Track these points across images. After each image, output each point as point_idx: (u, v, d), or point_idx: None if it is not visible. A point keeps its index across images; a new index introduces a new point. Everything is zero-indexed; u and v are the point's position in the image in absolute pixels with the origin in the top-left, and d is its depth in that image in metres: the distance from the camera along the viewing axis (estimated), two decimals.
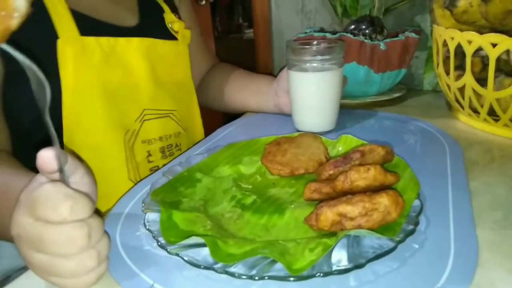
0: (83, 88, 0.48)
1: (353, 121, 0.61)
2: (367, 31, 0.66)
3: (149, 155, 0.54)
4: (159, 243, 0.31)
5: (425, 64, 0.79)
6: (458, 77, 0.56)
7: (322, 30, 0.78)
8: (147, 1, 0.61)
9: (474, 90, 0.53)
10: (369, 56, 0.64)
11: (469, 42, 0.51)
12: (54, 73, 0.46)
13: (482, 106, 0.54)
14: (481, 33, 0.50)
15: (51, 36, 0.46)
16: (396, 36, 0.72)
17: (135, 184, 0.45)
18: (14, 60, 0.36)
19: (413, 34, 0.66)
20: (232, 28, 3.27)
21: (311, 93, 0.54)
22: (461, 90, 0.56)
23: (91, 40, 0.49)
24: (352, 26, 0.67)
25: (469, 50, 0.51)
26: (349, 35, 0.64)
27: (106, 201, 0.46)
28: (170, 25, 0.61)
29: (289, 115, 0.60)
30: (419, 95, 0.76)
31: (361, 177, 0.32)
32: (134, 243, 0.34)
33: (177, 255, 0.29)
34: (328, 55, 0.53)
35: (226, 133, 0.60)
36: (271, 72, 0.95)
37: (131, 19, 0.57)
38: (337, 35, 0.65)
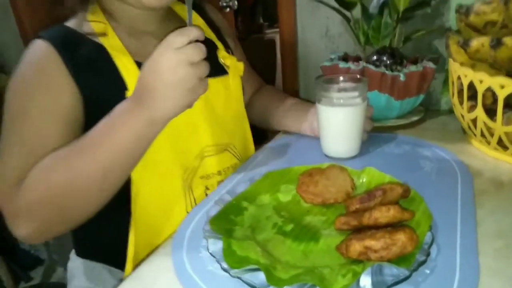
0: None
1: (375, 145, 0.68)
2: (388, 62, 0.73)
3: (207, 189, 0.60)
4: (222, 267, 0.39)
5: (442, 86, 0.84)
6: (471, 108, 0.63)
7: (345, 55, 0.85)
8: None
9: (484, 122, 0.60)
10: (390, 85, 0.71)
11: (480, 81, 0.57)
12: None
13: (492, 136, 0.60)
14: (493, 68, 0.56)
15: (122, 88, 0.54)
16: (415, 61, 0.79)
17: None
18: (90, 86, 0.47)
19: (431, 64, 0.73)
20: (253, 28, 3.34)
21: (338, 125, 0.62)
22: (474, 120, 0.62)
23: None
24: (374, 57, 0.74)
25: (480, 88, 0.58)
26: (371, 66, 0.71)
27: (166, 231, 0.55)
28: (222, 61, 0.67)
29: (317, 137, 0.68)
30: (436, 116, 0.82)
31: (383, 215, 0.40)
32: (198, 264, 0.43)
33: (239, 278, 0.38)
34: (353, 91, 0.60)
35: (263, 156, 0.68)
36: (297, 91, 1.02)
37: None
38: (361, 67, 0.72)
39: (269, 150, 0.70)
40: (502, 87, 0.54)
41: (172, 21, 0.66)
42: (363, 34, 0.78)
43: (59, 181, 0.47)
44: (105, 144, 0.47)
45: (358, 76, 0.64)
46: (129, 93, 0.54)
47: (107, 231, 0.57)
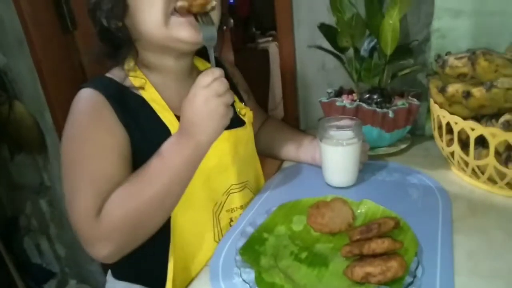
0: None
1: (370, 173, 0.80)
2: (378, 100, 0.84)
3: (231, 220, 0.72)
4: None
5: (426, 113, 0.96)
6: (450, 141, 0.74)
7: (341, 89, 0.96)
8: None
9: (460, 156, 0.71)
10: (381, 120, 0.82)
11: (455, 122, 0.69)
12: None
13: (467, 166, 0.72)
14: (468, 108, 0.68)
15: (165, 131, 0.64)
16: (402, 95, 0.91)
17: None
18: (137, 133, 0.60)
19: (415, 101, 0.84)
20: (247, 37, 3.44)
21: (338, 161, 0.73)
22: (452, 151, 0.74)
23: None
24: (367, 95, 0.85)
25: (455, 128, 0.69)
26: (364, 105, 0.82)
27: (198, 257, 0.65)
28: (239, 111, 0.77)
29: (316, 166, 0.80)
30: (421, 141, 0.93)
31: (379, 246, 0.51)
32: None
33: None
34: (350, 133, 0.72)
35: (274, 187, 0.79)
36: (297, 118, 1.13)
37: None
38: (355, 105, 0.83)
39: (278, 181, 0.81)
40: (473, 129, 0.66)
41: (195, 74, 0.76)
42: (356, 72, 0.90)
43: (131, 207, 0.56)
44: (162, 171, 0.58)
45: (354, 119, 0.75)
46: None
47: (147, 256, 0.66)
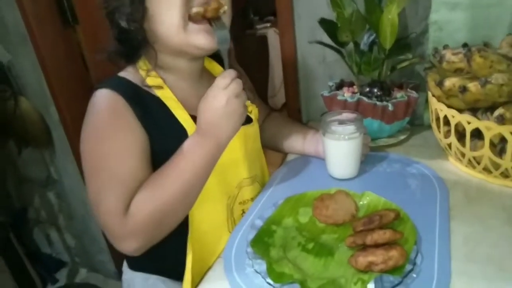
0: None
1: (371, 165, 0.83)
2: (378, 93, 0.87)
3: (243, 212, 0.76)
4: (267, 282, 0.54)
5: (425, 102, 0.99)
6: (447, 133, 0.78)
7: (341, 81, 0.99)
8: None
9: (457, 147, 0.75)
10: (381, 113, 0.85)
11: (452, 116, 0.72)
12: None
13: (464, 157, 0.75)
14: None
15: (184, 134, 0.66)
16: (401, 87, 0.94)
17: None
18: (156, 133, 0.63)
19: (414, 93, 0.87)
20: (245, 24, 3.43)
21: (340, 154, 0.77)
22: (449, 143, 0.77)
23: None
24: (367, 89, 0.88)
25: (452, 122, 0.73)
26: (364, 98, 0.85)
27: (213, 248, 0.69)
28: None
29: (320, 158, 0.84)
30: (420, 131, 0.97)
31: (381, 237, 0.55)
32: (246, 278, 0.58)
33: None
34: (352, 127, 0.75)
35: (279, 180, 0.83)
36: (299, 109, 1.16)
37: None
38: (356, 99, 0.86)
39: (283, 175, 0.85)
40: (469, 123, 0.69)
41: (205, 74, 0.80)
42: (356, 65, 0.92)
43: (157, 203, 0.60)
44: (185, 168, 0.62)
45: (355, 113, 0.78)
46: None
47: (165, 248, 0.68)
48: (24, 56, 1.53)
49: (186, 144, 0.63)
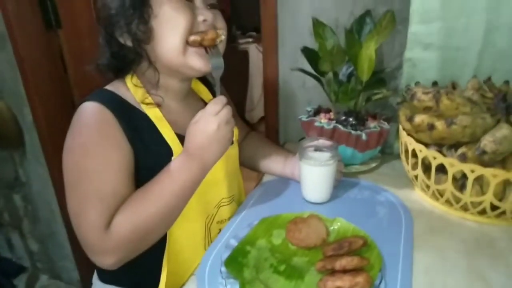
0: None
1: (343, 190, 0.87)
2: (353, 122, 0.92)
3: (220, 231, 0.76)
4: None
5: (396, 133, 1.04)
6: (414, 165, 0.83)
7: (319, 107, 1.04)
8: None
9: (422, 179, 0.80)
10: (354, 142, 0.90)
11: (420, 150, 0.77)
12: None
13: (428, 189, 0.80)
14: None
15: (169, 154, 0.68)
16: (375, 117, 0.99)
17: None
18: (141, 150, 0.66)
19: (386, 125, 0.93)
20: (228, 38, 3.47)
21: (315, 179, 0.80)
22: (416, 174, 0.83)
23: None
24: (343, 118, 0.93)
25: (420, 155, 0.78)
26: (340, 126, 0.90)
27: (189, 264, 0.71)
28: None
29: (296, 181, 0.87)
30: (390, 160, 1.02)
31: (348, 263, 0.58)
32: None
33: None
34: (327, 154, 0.79)
35: (255, 201, 0.85)
36: (277, 130, 1.20)
37: None
38: (332, 126, 0.90)
39: (258, 195, 0.88)
40: (434, 158, 0.74)
41: (191, 94, 0.82)
42: (334, 94, 0.97)
43: (139, 221, 0.61)
44: (170, 188, 0.63)
45: (332, 142, 0.82)
46: (174, 157, 0.68)
47: (140, 262, 0.69)
48: (1, 54, 1.50)
49: (173, 165, 0.65)
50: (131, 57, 0.69)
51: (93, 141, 0.64)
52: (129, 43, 0.68)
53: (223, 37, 0.69)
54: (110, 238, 0.60)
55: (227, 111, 0.65)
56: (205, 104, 0.84)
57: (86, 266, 1.86)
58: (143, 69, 0.71)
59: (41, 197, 1.77)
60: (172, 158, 0.68)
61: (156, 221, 0.63)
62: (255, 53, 3.27)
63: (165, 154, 0.68)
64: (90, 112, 0.65)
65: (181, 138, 0.69)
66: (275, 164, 0.92)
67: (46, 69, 1.53)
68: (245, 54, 3.29)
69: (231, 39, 3.56)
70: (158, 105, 0.72)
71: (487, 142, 0.68)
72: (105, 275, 0.80)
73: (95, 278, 0.84)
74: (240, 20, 3.76)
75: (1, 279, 1.93)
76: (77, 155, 0.64)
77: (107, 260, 0.61)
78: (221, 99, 0.65)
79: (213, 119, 0.64)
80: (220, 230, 0.78)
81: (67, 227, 1.76)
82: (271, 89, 1.14)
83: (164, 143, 0.69)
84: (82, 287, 1.93)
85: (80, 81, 1.60)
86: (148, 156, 0.68)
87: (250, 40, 3.49)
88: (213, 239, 0.76)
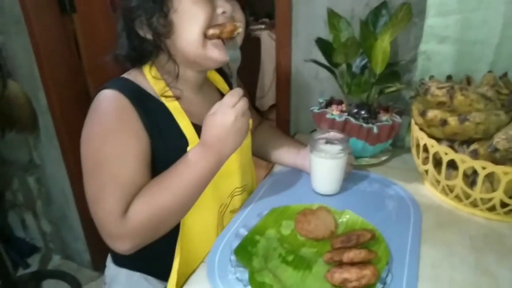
0: None
1: (352, 183, 0.88)
2: (365, 115, 0.91)
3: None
4: None
5: (408, 126, 1.04)
6: (425, 160, 0.83)
7: (331, 99, 1.03)
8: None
9: (433, 174, 0.80)
10: (366, 134, 0.90)
11: (432, 145, 0.77)
12: None
13: (438, 184, 0.80)
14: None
15: (185, 144, 0.69)
16: (387, 109, 0.98)
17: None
18: (158, 139, 0.67)
19: (398, 118, 0.92)
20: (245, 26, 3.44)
21: (325, 172, 0.81)
22: (426, 169, 0.83)
23: None
24: (355, 110, 0.93)
25: (431, 150, 0.78)
26: (352, 119, 0.90)
27: (201, 252, 0.72)
28: None
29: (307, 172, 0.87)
30: (400, 154, 1.02)
31: (356, 256, 0.59)
32: (227, 285, 0.61)
33: None
34: (338, 147, 0.79)
35: (265, 190, 0.86)
36: (288, 121, 1.20)
37: None
38: (343, 118, 0.90)
39: (269, 186, 0.89)
40: (446, 154, 0.74)
41: (206, 84, 0.83)
42: (346, 86, 0.97)
43: (156, 209, 0.63)
44: (187, 178, 0.65)
45: (343, 135, 0.83)
46: (190, 147, 0.69)
47: (154, 248, 0.68)
48: (17, 38, 1.52)
49: (190, 155, 0.66)
50: (150, 50, 0.70)
51: (112, 129, 0.64)
52: (149, 36, 0.68)
53: (240, 29, 0.70)
54: (127, 224, 0.61)
55: (243, 103, 0.66)
56: (221, 94, 0.85)
57: (97, 248, 1.91)
58: (162, 62, 0.72)
59: (54, 180, 1.81)
60: (188, 148, 0.69)
61: (172, 210, 0.65)
62: (267, 40, 3.25)
63: (181, 145, 0.69)
64: (108, 100, 0.66)
65: (198, 128, 0.70)
66: (286, 155, 0.93)
67: (60, 53, 1.55)
68: (257, 41, 3.26)
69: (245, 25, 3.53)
70: (177, 98, 0.72)
71: (499, 140, 0.67)
72: (119, 259, 0.83)
73: (109, 261, 0.86)
74: (253, 6, 3.73)
75: (15, 258, 1.99)
76: (96, 142, 0.65)
77: (123, 246, 0.63)
78: (238, 91, 0.66)
79: (230, 111, 0.65)
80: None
81: (79, 209, 1.80)
82: (284, 79, 1.14)
83: (181, 133, 0.70)
84: (93, 268, 1.98)
85: (94, 66, 1.62)
86: (164, 145, 0.69)
87: (263, 26, 3.46)
88: (225, 227, 0.78)
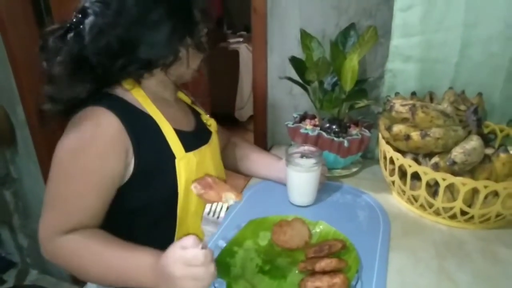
0: (188, 183, 0.74)
1: (326, 194, 0.93)
2: (336, 130, 0.97)
3: None
4: None
5: (377, 139, 1.10)
6: (391, 171, 0.89)
7: (305, 114, 1.09)
8: (192, 108, 0.89)
9: (399, 185, 0.86)
10: (337, 148, 0.95)
11: (397, 158, 0.83)
12: (174, 178, 0.73)
13: (404, 194, 0.86)
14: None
15: (172, 157, 0.73)
16: (357, 123, 1.04)
17: None
18: (146, 156, 0.70)
19: (367, 132, 0.98)
20: (219, 36, 3.50)
21: (300, 184, 0.85)
22: (393, 180, 0.88)
23: (190, 154, 0.75)
24: (327, 125, 0.98)
25: (397, 163, 0.83)
26: (324, 133, 0.95)
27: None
28: (205, 122, 0.88)
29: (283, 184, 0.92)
30: (371, 165, 1.08)
31: (327, 265, 0.64)
32: None
33: None
34: (312, 161, 0.84)
35: (245, 200, 0.90)
36: (265, 133, 1.24)
37: (191, 124, 0.83)
38: (316, 133, 0.95)
39: (247, 198, 0.92)
40: (410, 166, 0.80)
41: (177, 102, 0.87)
42: (318, 101, 1.02)
43: (80, 261, 0.65)
44: (120, 269, 0.63)
45: (316, 149, 0.88)
46: (177, 161, 0.73)
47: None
48: None
49: (143, 262, 0.62)
50: (142, 70, 0.73)
51: (91, 146, 0.66)
52: (155, 63, 0.72)
53: None
54: (54, 244, 0.65)
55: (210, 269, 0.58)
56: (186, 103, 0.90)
57: None
58: (149, 81, 0.76)
59: (32, 194, 1.79)
60: (176, 161, 0.73)
61: (88, 272, 0.66)
62: (245, 53, 3.30)
63: (168, 159, 0.72)
64: (96, 118, 0.67)
65: (178, 133, 0.75)
66: (262, 168, 0.97)
67: (38, 65, 1.55)
68: (235, 54, 3.31)
69: (222, 38, 3.58)
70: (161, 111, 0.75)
71: (457, 153, 0.73)
72: None
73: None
74: (231, 19, 3.79)
75: None
76: (67, 155, 0.66)
77: (45, 254, 0.67)
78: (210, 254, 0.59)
79: (199, 271, 0.57)
80: None
81: None
82: (260, 94, 1.19)
83: (168, 148, 0.73)
84: (72, 282, 1.96)
85: None
86: (152, 160, 0.71)
87: (241, 40, 3.52)
88: None
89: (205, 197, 0.68)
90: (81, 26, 0.68)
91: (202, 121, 0.89)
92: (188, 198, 0.77)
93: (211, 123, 0.90)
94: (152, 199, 0.74)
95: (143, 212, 0.75)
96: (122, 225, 0.72)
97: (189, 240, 0.57)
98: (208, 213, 0.60)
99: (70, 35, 0.68)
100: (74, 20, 0.69)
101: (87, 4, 0.69)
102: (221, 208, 0.61)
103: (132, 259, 0.64)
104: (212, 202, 0.62)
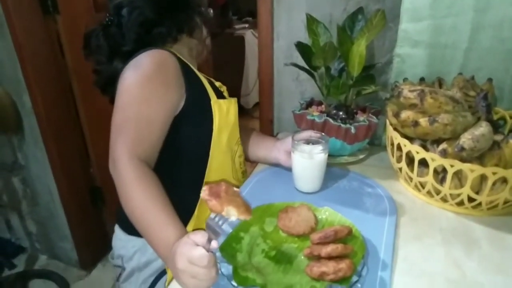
0: (221, 127, 0.84)
1: (333, 180, 0.92)
2: (343, 116, 0.96)
3: (240, 163, 0.95)
4: (232, 285, 0.62)
5: (384, 126, 1.09)
6: (399, 158, 0.88)
7: (311, 100, 1.08)
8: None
9: (406, 172, 0.85)
10: (344, 134, 0.95)
11: (404, 145, 0.82)
12: (211, 118, 0.82)
13: (411, 180, 0.86)
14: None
15: (208, 98, 0.83)
16: (364, 110, 1.03)
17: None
18: (193, 93, 0.81)
19: (374, 119, 0.97)
20: (224, 23, 3.47)
21: (306, 171, 0.85)
22: (400, 167, 0.88)
23: (221, 102, 0.84)
24: (333, 111, 0.97)
25: (404, 149, 0.83)
26: (330, 120, 0.94)
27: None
28: (220, 89, 0.94)
29: (285, 167, 0.93)
30: (378, 152, 1.07)
31: (333, 251, 0.64)
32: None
33: None
34: (318, 147, 0.84)
35: (249, 189, 0.90)
36: (271, 120, 1.24)
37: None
38: (323, 119, 0.94)
39: (253, 184, 0.93)
40: (417, 152, 0.79)
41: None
42: (325, 88, 1.01)
43: (126, 195, 0.68)
44: (146, 225, 0.66)
45: (322, 135, 0.87)
46: (212, 102, 0.83)
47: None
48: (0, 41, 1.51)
49: (166, 237, 0.64)
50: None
51: (153, 76, 0.73)
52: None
53: None
54: (123, 163, 0.67)
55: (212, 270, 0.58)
56: None
57: (84, 247, 1.92)
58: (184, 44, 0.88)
59: (39, 180, 1.81)
60: (212, 102, 0.83)
61: (127, 204, 0.68)
62: (251, 39, 3.27)
63: (206, 98, 0.82)
64: (158, 56, 0.76)
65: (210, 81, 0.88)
66: (262, 149, 0.99)
67: (44, 55, 1.55)
68: (241, 40, 3.28)
69: (228, 24, 3.55)
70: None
71: (465, 140, 0.72)
72: (126, 225, 0.87)
73: (118, 230, 0.91)
74: (237, 5, 3.74)
75: (1, 259, 1.98)
76: (136, 83, 0.72)
77: (113, 173, 0.69)
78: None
79: (204, 270, 0.57)
80: (240, 162, 0.95)
81: (65, 209, 1.80)
82: (266, 81, 1.18)
83: (205, 90, 0.83)
84: (80, 267, 1.99)
85: (78, 67, 1.62)
86: (195, 97, 0.80)
87: (246, 26, 3.49)
88: (238, 170, 0.94)
89: (208, 204, 0.68)
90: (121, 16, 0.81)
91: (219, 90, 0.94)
92: (220, 139, 0.85)
93: (224, 90, 0.97)
94: (191, 138, 0.82)
95: (184, 150, 0.82)
96: (165, 164, 0.78)
97: (202, 239, 0.57)
98: (213, 219, 0.60)
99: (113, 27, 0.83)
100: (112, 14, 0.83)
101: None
102: (226, 221, 0.60)
103: (161, 227, 0.65)
104: (213, 212, 0.60)
